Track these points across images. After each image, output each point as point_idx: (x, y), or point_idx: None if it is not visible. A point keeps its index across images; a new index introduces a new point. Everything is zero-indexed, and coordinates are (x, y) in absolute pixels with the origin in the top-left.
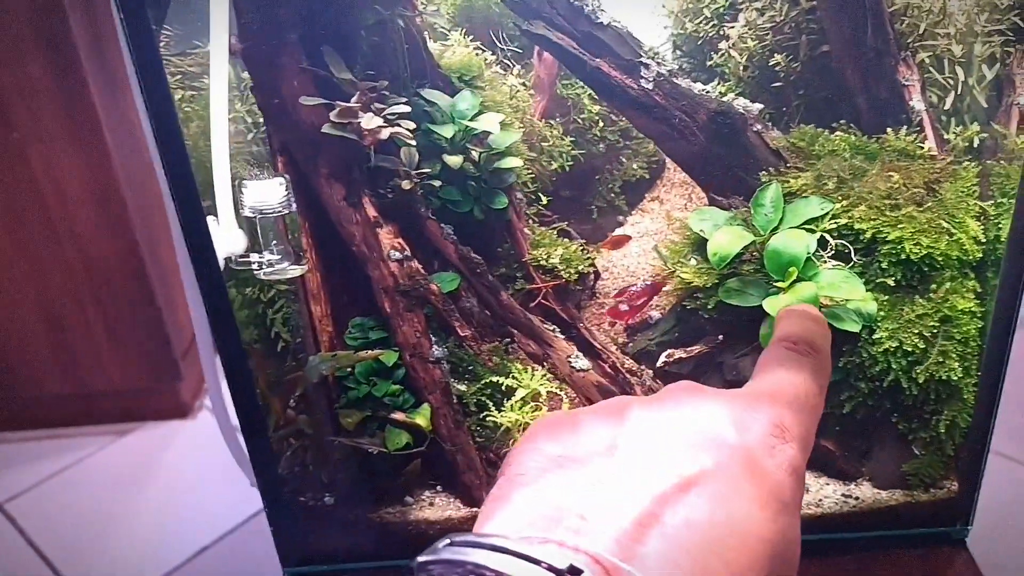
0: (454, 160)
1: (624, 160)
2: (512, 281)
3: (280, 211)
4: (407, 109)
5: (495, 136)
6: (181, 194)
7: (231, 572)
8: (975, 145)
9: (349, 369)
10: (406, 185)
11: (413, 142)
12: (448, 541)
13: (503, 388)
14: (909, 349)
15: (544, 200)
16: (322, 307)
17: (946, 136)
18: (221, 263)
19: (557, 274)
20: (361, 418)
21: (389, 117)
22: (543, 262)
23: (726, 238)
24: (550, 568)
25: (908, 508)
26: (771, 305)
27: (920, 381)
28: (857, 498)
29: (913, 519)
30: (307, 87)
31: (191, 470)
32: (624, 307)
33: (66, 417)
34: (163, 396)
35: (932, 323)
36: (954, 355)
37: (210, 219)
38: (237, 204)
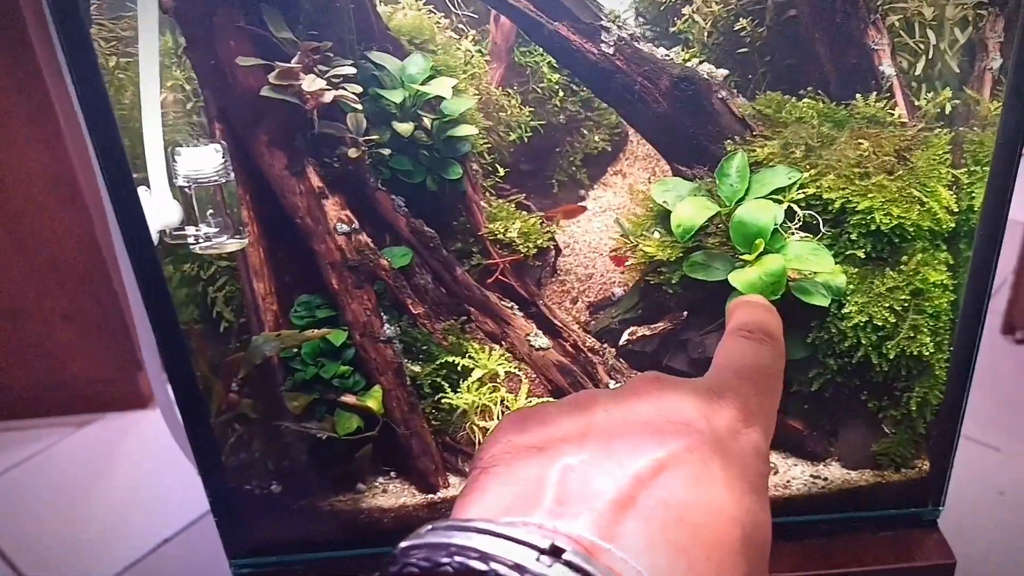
0: (404, 127)
1: (585, 132)
2: (468, 256)
3: (217, 180)
4: (353, 71)
5: (448, 102)
6: (109, 163)
7: (193, 564)
8: (947, 111)
9: (295, 350)
10: (353, 153)
11: (359, 107)
12: (430, 527)
13: (459, 368)
14: (879, 324)
15: (501, 172)
16: (265, 284)
17: (917, 102)
18: (154, 237)
19: (515, 249)
20: (309, 401)
21: (333, 80)
22: (500, 236)
23: (690, 209)
24: (533, 547)
25: (878, 489)
26: (737, 279)
27: (891, 357)
28: (826, 479)
29: (883, 500)
30: (244, 47)
31: (152, 461)
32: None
33: (25, 408)
34: (123, 386)
35: (903, 296)
36: (925, 330)
37: (142, 190)
38: (171, 173)
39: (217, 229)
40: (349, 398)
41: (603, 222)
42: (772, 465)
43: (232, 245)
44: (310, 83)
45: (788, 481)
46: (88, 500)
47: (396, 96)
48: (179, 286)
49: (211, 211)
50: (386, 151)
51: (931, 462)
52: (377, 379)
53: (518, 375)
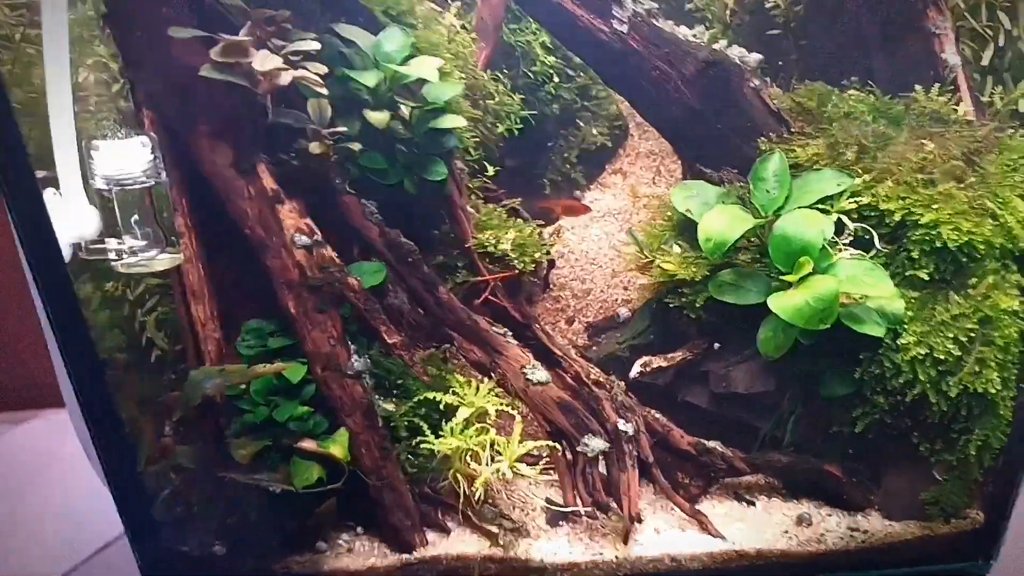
0: (379, 117)
1: (582, 124)
2: (452, 272)
3: (144, 181)
4: (316, 47)
5: (432, 87)
6: (6, 159)
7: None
8: (1021, 109)
9: (243, 387)
10: (315, 148)
11: (324, 91)
12: None
13: (441, 407)
14: (941, 357)
15: (490, 171)
16: (206, 307)
17: (983, 98)
18: (66, 251)
19: (508, 264)
20: (259, 449)
21: (292, 58)
22: (491, 248)
23: (722, 220)
24: None
25: (925, 542)
26: (779, 304)
27: (951, 395)
28: (866, 531)
29: (930, 555)
30: (181, 15)
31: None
32: None
33: None
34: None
35: (970, 325)
36: (993, 364)
37: (49, 192)
38: (87, 173)
39: (145, 242)
40: (309, 444)
41: (602, 228)
42: (806, 516)
43: (164, 261)
44: (263, 61)
45: (822, 535)
46: (24, 501)
47: (369, 79)
48: (100, 309)
49: (137, 219)
50: (356, 146)
51: (986, 512)
52: (343, 421)
53: (512, 414)
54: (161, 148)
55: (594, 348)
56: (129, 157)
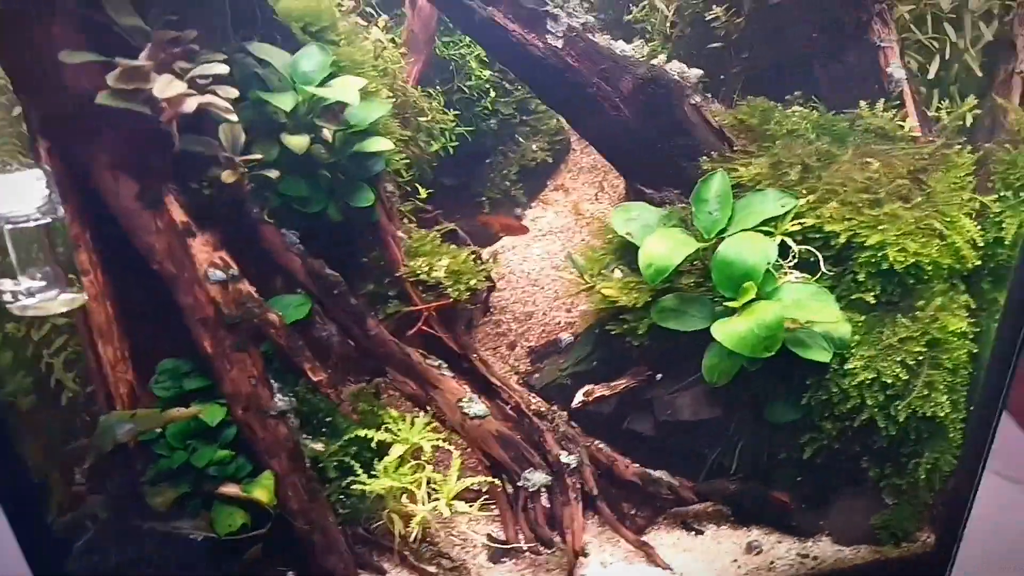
0: (297, 142)
1: (521, 140)
2: (383, 302)
3: (39, 219)
4: (224, 70)
5: (355, 109)
6: None
7: None
8: (968, 124)
9: (158, 431)
10: (228, 177)
11: (234, 118)
12: None
13: (373, 444)
14: (888, 381)
15: (423, 193)
16: (115, 347)
17: (931, 112)
18: None
19: (443, 292)
20: (177, 495)
21: (200, 81)
22: (424, 276)
23: (664, 245)
24: None
25: (876, 567)
26: (723, 331)
27: (900, 419)
28: (816, 557)
29: None
30: (72, 36)
31: None
32: None
33: None
34: None
35: (917, 348)
36: (941, 387)
37: None
38: None
39: (44, 282)
40: (231, 489)
41: (544, 247)
42: (756, 544)
43: (64, 302)
44: (165, 87)
45: (772, 562)
46: None
47: (285, 101)
48: (1, 350)
49: (36, 258)
50: (273, 173)
51: (937, 534)
52: (267, 463)
53: (449, 449)
54: (59, 179)
55: (536, 376)
56: (21, 191)
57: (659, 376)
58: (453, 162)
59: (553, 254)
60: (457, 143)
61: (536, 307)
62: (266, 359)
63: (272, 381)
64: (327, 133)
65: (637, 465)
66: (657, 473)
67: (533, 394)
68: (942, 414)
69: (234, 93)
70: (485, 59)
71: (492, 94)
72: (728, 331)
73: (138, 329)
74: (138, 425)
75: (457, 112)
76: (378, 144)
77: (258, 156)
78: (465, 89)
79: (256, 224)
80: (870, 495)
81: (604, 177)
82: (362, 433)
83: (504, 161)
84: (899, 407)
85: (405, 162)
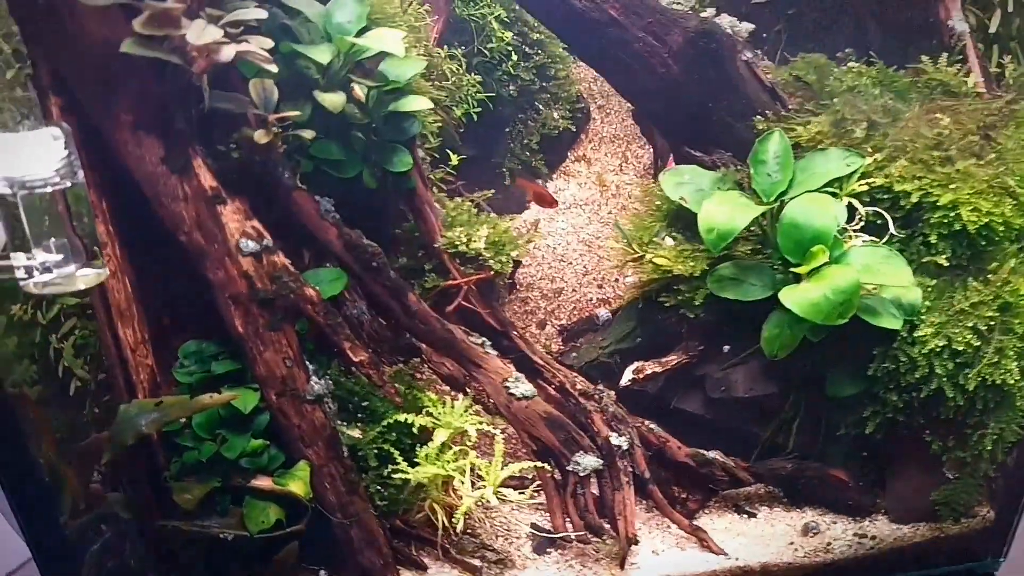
0: (333, 99)
1: (541, 107)
2: (419, 276)
3: (57, 183)
4: (263, 15)
5: (392, 63)
6: None
7: None
8: None
9: (183, 421)
10: (261, 137)
11: (274, 69)
12: None
13: (415, 430)
14: (959, 348)
15: (454, 160)
16: (135, 329)
17: (993, 67)
18: None
19: (482, 264)
20: (206, 491)
21: (231, 30)
22: (462, 248)
23: (725, 209)
24: None
25: (934, 544)
26: (793, 298)
27: (969, 388)
28: (874, 537)
29: (940, 556)
30: None
31: None
32: None
33: None
34: None
35: (989, 313)
36: (1011, 353)
37: None
38: None
39: (60, 256)
40: (264, 481)
41: (569, 221)
42: (812, 525)
43: (85, 278)
44: (199, 33)
45: (829, 543)
46: None
47: (322, 54)
48: (6, 335)
49: (51, 229)
50: (308, 133)
51: (997, 508)
52: (303, 453)
53: (492, 433)
54: (75, 141)
55: (574, 355)
56: (34, 151)
57: (726, 349)
58: (472, 130)
59: (579, 227)
60: (479, 109)
61: (565, 283)
62: (300, 339)
63: (308, 364)
64: (360, 91)
65: (688, 447)
66: (712, 453)
67: (576, 374)
68: (1011, 381)
69: (269, 43)
70: (506, 19)
71: (514, 57)
72: (799, 298)
73: (159, 308)
74: (165, 414)
75: (478, 77)
76: (415, 103)
77: (293, 113)
78: (485, 52)
79: (290, 190)
80: (930, 470)
81: (627, 147)
82: (402, 418)
83: (524, 130)
84: (969, 375)
85: (436, 126)
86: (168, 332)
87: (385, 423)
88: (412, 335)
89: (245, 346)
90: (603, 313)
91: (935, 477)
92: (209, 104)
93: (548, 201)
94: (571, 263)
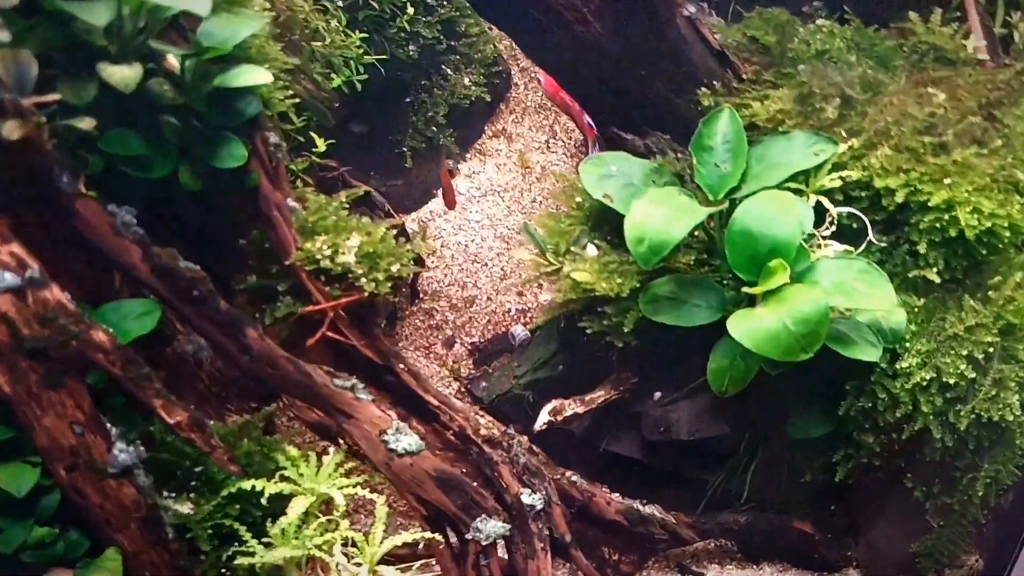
0: (123, 75)
1: (449, 72)
2: (271, 301)
3: None
4: None
5: (217, 23)
6: None
7: None
8: None
9: None
10: (12, 131)
11: (3, 37)
12: None
13: (264, 499)
14: (951, 381)
15: (321, 145)
16: None
17: (995, 28)
18: None
19: (353, 283)
20: None
21: None
22: (326, 262)
23: (659, 212)
24: None
25: None
26: (743, 328)
27: (961, 427)
28: None
29: None
30: None
31: None
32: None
33: None
34: None
35: (988, 339)
36: (1012, 384)
37: None
38: None
39: None
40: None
41: (484, 211)
42: None
43: None
44: None
45: None
46: None
47: (98, 13)
48: None
49: None
50: (85, 123)
51: (988, 557)
52: (111, 537)
53: (371, 498)
54: None
55: (484, 384)
56: None
57: (657, 395)
58: (361, 101)
59: (496, 219)
60: (366, 76)
61: (479, 290)
62: (98, 396)
63: (109, 425)
64: (172, 61)
65: (620, 498)
66: (647, 509)
67: (482, 411)
68: (1010, 417)
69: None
70: None
71: (410, 10)
72: (751, 328)
73: None
74: None
75: (365, 35)
76: (251, 75)
77: (54, 97)
78: (374, 4)
79: (67, 199)
80: (911, 518)
81: (556, 119)
82: (248, 485)
83: (428, 100)
84: (961, 412)
85: (291, 101)
86: None
87: (226, 493)
88: (258, 379)
89: (15, 410)
90: (519, 331)
91: (916, 525)
92: None
93: (449, 199)
94: (486, 264)
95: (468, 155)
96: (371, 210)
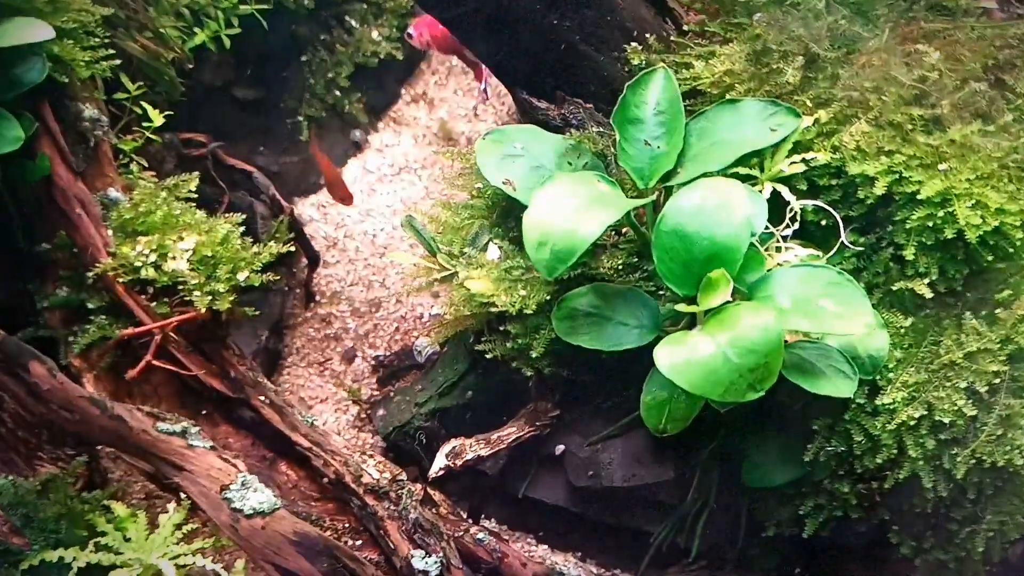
0: None
1: (354, 24)
2: (80, 321)
3: None
4: None
5: None
6: None
7: None
8: None
9: None
10: None
11: None
12: None
13: (72, 573)
14: (946, 419)
15: (156, 117)
16: None
17: None
18: None
19: (185, 296)
20: None
21: None
22: (149, 271)
23: (567, 204)
24: None
25: None
26: (670, 359)
27: (958, 474)
28: None
29: None
30: None
31: None
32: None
33: None
34: None
35: (993, 367)
36: (1023, 422)
37: None
38: None
39: None
40: None
41: (396, 193)
42: None
43: None
44: None
45: None
46: None
47: None
48: None
49: None
50: None
51: None
52: None
53: (212, 568)
54: None
55: (381, 414)
56: None
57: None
58: (242, 61)
59: (411, 202)
60: (239, 31)
61: (387, 290)
62: None
63: None
64: None
65: (541, 557)
66: (575, 570)
67: (371, 453)
68: (1019, 461)
69: None
70: None
71: None
72: (684, 360)
73: None
74: None
75: None
76: (23, 31)
77: None
78: None
79: None
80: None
81: (486, 79)
82: (53, 556)
83: (329, 59)
84: (958, 457)
85: (112, 64)
86: None
87: (25, 566)
88: (52, 428)
89: None
90: (424, 344)
91: None
92: None
93: (341, 194)
94: (393, 263)
95: (380, 124)
96: (253, 194)
